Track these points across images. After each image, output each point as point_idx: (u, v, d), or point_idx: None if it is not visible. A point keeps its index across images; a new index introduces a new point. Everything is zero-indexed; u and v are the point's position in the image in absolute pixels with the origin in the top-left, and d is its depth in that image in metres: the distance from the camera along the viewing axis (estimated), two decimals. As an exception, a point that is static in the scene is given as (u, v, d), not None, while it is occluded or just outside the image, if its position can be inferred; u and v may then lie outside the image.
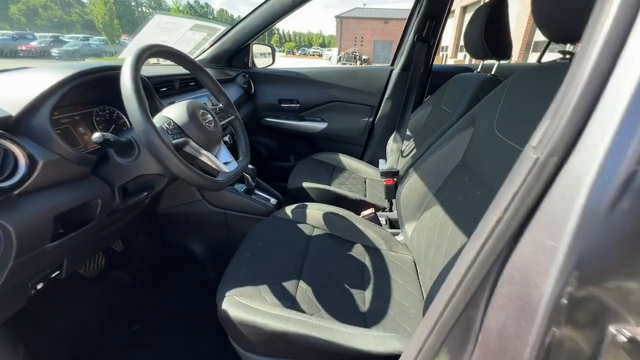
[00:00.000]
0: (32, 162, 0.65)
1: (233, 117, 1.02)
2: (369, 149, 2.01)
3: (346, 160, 1.83)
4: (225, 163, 0.90)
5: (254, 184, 1.34)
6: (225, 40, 1.77)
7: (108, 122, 0.98)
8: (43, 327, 1.03)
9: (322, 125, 1.98)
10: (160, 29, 1.40)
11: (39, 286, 0.78)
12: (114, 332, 1.18)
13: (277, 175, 2.19)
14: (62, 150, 0.71)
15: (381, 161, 1.82)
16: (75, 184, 0.75)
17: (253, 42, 1.90)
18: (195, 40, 1.69)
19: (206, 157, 0.82)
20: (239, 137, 1.03)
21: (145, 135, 0.65)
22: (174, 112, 0.79)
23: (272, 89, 1.98)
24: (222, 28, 1.70)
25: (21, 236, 0.61)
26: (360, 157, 2.01)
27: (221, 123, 0.95)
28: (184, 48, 1.71)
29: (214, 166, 0.84)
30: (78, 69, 0.79)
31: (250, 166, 1.29)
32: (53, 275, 0.81)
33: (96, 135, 0.65)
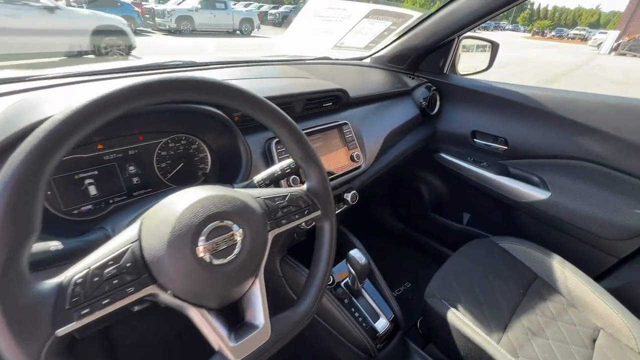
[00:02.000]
0: None
1: (318, 213, 0.52)
2: (627, 268, 1.00)
3: (567, 274, 0.96)
4: (240, 328, 0.43)
5: (361, 285, 0.82)
6: (417, 34, 1.19)
7: (178, 158, 0.71)
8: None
9: (540, 194, 1.11)
10: (321, 18, 1.00)
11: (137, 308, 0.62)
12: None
13: (433, 234, 1.52)
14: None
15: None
16: None
17: (461, 37, 1.22)
18: (374, 31, 1.21)
19: (201, 319, 0.39)
20: (319, 254, 0.52)
21: None
22: (149, 225, 0.38)
23: (468, 112, 1.26)
24: (415, 16, 1.13)
25: None
26: (597, 277, 1.04)
27: (287, 226, 0.48)
28: (360, 41, 1.28)
29: (212, 340, 0.40)
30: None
31: (360, 260, 0.77)
32: None
33: None
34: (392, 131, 1.07)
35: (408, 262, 1.54)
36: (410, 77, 1.29)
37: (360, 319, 0.79)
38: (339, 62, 1.36)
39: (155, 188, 0.67)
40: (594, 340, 0.85)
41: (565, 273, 0.97)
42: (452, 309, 0.83)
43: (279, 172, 0.57)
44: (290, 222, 0.48)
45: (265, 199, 0.47)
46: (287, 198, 0.49)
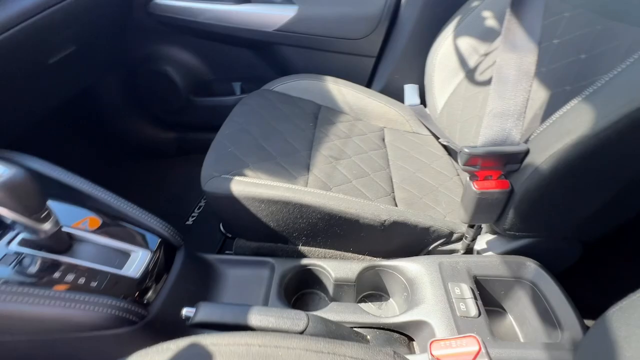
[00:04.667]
0: None
1: None
2: (384, 64, 1.00)
3: (343, 91, 0.88)
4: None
5: (37, 224, 0.38)
6: None
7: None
8: None
9: (287, 13, 0.90)
10: None
11: None
12: None
13: (200, 121, 1.16)
14: None
15: (409, 88, 0.94)
16: None
17: None
18: None
19: None
20: None
21: None
22: None
23: None
24: None
25: None
26: (368, 83, 1.02)
27: None
28: None
29: None
30: None
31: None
32: None
33: None
34: None
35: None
36: None
37: (94, 285, 0.39)
38: None
39: None
40: (384, 139, 0.82)
41: (342, 91, 0.88)
42: (239, 178, 0.56)
43: None
44: None
45: None
46: None
